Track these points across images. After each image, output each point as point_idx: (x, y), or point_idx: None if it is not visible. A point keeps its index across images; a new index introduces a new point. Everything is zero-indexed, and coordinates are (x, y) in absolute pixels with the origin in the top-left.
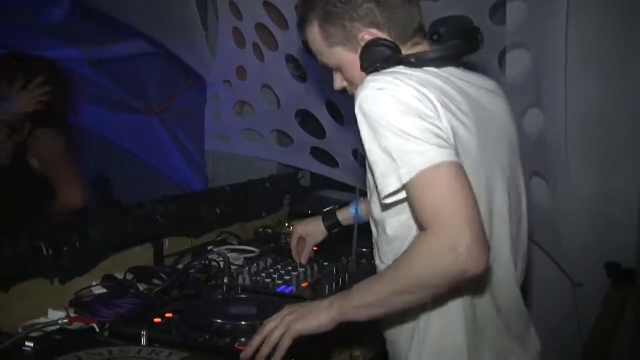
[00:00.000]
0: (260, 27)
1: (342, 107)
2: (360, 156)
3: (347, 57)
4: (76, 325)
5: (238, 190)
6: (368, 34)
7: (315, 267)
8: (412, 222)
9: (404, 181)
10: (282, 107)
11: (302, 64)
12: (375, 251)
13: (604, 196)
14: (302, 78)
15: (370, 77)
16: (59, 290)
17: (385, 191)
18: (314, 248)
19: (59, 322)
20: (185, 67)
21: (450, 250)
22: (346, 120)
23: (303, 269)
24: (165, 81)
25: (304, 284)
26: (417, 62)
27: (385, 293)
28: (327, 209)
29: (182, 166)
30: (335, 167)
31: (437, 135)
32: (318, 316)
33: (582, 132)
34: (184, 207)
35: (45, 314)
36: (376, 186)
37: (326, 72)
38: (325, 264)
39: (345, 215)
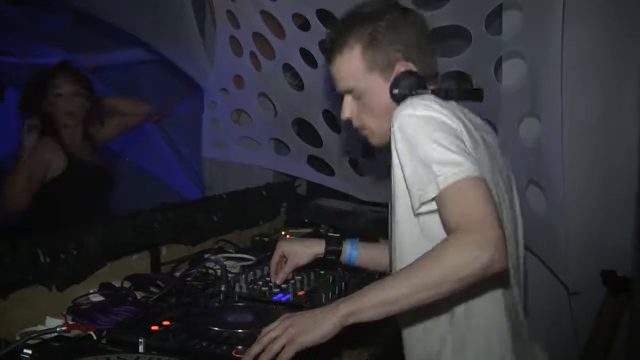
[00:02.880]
0: (257, 36)
1: (339, 117)
2: (359, 166)
3: (378, 84)
4: (74, 332)
5: (235, 198)
6: (404, 66)
7: (312, 276)
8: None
9: (442, 187)
10: (279, 115)
11: (299, 73)
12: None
13: (599, 204)
14: (299, 87)
15: (409, 101)
16: (56, 297)
17: (424, 198)
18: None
19: (57, 329)
20: (182, 75)
21: (480, 245)
22: (343, 129)
23: (300, 277)
24: (162, 89)
25: (301, 292)
26: (445, 95)
27: (408, 288)
28: (334, 235)
29: (180, 174)
30: (332, 176)
31: (470, 154)
32: (322, 326)
33: (578, 141)
34: (181, 215)
35: (43, 322)
36: (410, 198)
37: (324, 81)
38: (322, 272)
39: (344, 250)
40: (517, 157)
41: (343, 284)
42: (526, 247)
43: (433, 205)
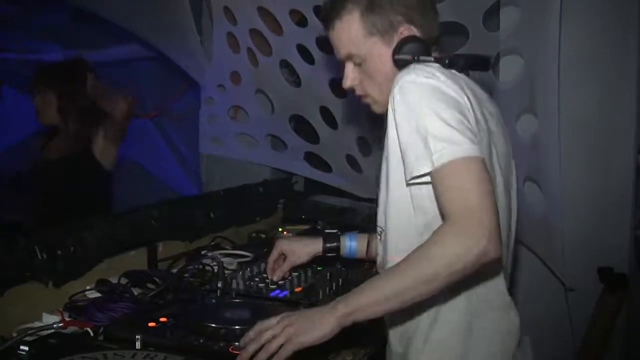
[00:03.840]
0: (254, 33)
1: (336, 113)
2: (355, 162)
3: (379, 49)
4: (71, 329)
5: (232, 195)
6: (407, 30)
7: (309, 272)
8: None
9: (437, 165)
10: (277, 112)
11: (296, 70)
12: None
13: (597, 201)
14: (297, 83)
15: (412, 66)
16: (53, 294)
17: (416, 172)
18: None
19: (54, 326)
20: (179, 72)
21: (473, 234)
22: (340, 125)
23: (297, 274)
24: (160, 85)
25: (298, 289)
26: (449, 63)
27: (405, 284)
28: (330, 231)
29: (177, 170)
30: (329, 173)
31: (471, 131)
32: (321, 327)
33: (576, 138)
34: (178, 211)
35: (40, 318)
36: (404, 166)
37: (321, 78)
38: (319, 268)
39: (343, 244)
40: (514, 153)
41: (340, 280)
42: (523, 243)
43: (426, 179)
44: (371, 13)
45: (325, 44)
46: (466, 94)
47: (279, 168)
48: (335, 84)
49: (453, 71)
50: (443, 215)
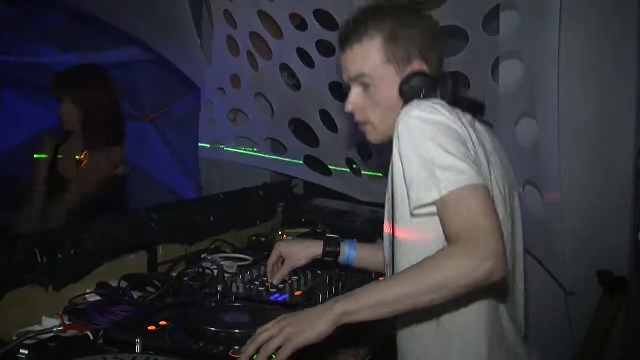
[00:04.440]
0: (255, 36)
1: (336, 116)
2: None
3: (391, 77)
4: (71, 333)
5: (232, 198)
6: (420, 64)
7: (309, 276)
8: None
9: (444, 192)
10: (276, 115)
11: (296, 73)
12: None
13: (596, 205)
14: (296, 87)
15: (417, 102)
16: (53, 297)
17: (422, 202)
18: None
19: (54, 329)
20: (179, 75)
21: (481, 255)
22: (340, 129)
23: (297, 278)
24: (159, 88)
25: (298, 293)
26: (454, 101)
27: (406, 292)
28: (332, 235)
29: (176, 173)
30: (329, 176)
31: (475, 162)
32: (318, 326)
33: (576, 142)
34: (178, 214)
35: (40, 322)
36: (409, 198)
37: (321, 81)
38: (319, 272)
39: (342, 251)
40: (514, 157)
41: (340, 284)
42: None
43: (431, 209)
44: (393, 42)
45: (326, 48)
46: (466, 128)
47: (278, 171)
48: (335, 88)
49: (452, 107)
50: (449, 239)
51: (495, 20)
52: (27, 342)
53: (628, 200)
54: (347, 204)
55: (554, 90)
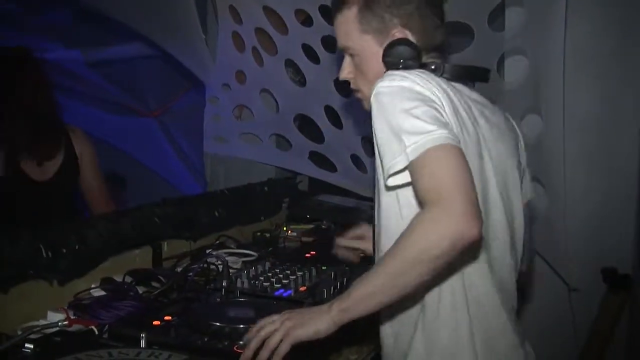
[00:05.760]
0: (260, 32)
1: (341, 112)
2: (360, 161)
3: (372, 48)
4: (76, 327)
5: (236, 194)
6: (400, 33)
7: (314, 271)
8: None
9: (411, 158)
10: (281, 111)
11: (301, 69)
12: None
13: (601, 202)
14: (301, 83)
15: (391, 72)
16: (58, 292)
17: (392, 170)
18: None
19: (59, 324)
20: (184, 70)
21: (447, 215)
22: (345, 125)
23: (302, 273)
24: (164, 84)
25: (303, 288)
26: (436, 69)
27: (388, 275)
28: None
29: (181, 169)
30: (334, 172)
31: (444, 124)
32: (317, 322)
33: (580, 138)
34: (182, 210)
35: (44, 316)
36: (382, 170)
37: (326, 77)
38: (323, 267)
39: None
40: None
41: (345, 279)
42: None
43: (406, 177)
44: (367, 11)
45: (331, 44)
46: (446, 94)
47: (283, 167)
48: (340, 84)
49: (433, 75)
50: (421, 205)
51: (501, 17)
52: (32, 336)
53: (632, 197)
54: (352, 200)
55: (559, 87)
